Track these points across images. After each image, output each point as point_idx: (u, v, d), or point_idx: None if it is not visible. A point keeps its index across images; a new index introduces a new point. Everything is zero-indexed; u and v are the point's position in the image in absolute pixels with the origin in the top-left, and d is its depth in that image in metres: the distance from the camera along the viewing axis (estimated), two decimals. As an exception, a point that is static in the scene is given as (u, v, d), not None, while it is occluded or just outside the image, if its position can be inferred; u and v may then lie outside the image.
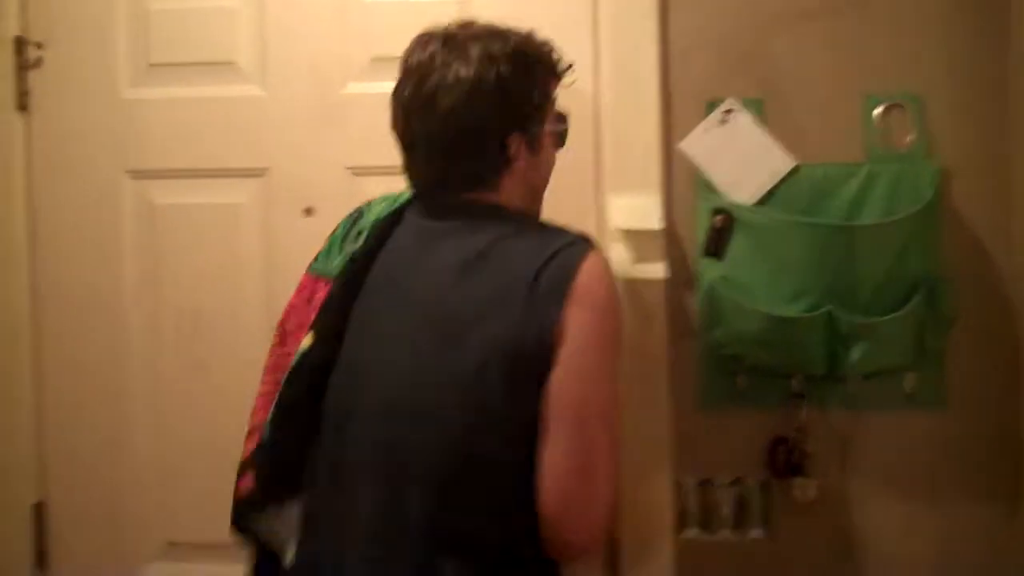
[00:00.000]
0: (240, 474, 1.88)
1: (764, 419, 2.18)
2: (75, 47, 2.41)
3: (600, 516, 1.67)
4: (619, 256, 2.13)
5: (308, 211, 2.32)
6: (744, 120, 2.15)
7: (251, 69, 2.38)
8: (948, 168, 2.13)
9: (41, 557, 2.46)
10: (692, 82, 2.19)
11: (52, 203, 2.42)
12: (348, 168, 2.33)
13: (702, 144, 2.16)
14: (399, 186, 1.89)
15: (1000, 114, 2.13)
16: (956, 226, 2.14)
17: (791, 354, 2.12)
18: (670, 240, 2.18)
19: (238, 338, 2.35)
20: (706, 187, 2.17)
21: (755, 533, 2.20)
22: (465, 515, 1.65)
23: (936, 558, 2.15)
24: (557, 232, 1.77)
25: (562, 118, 1.90)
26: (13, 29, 2.39)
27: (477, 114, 1.73)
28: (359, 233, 1.86)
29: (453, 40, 1.77)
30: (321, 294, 1.84)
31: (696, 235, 2.18)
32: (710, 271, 2.15)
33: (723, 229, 2.13)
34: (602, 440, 1.67)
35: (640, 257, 2.14)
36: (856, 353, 2.08)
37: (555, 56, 1.85)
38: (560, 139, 1.90)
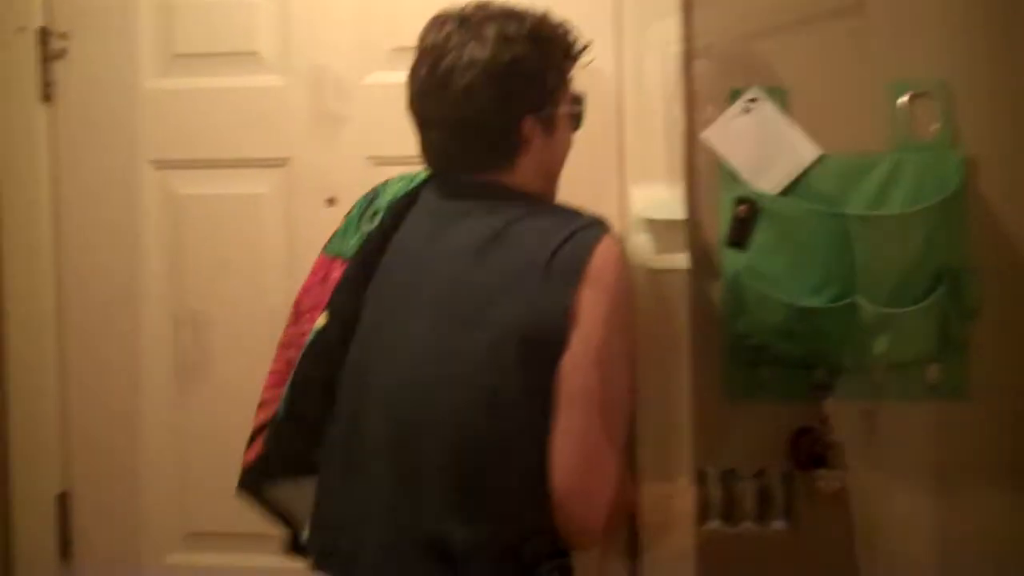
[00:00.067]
0: (249, 442, 1.90)
1: (787, 410, 2.17)
2: (99, 38, 2.41)
3: (606, 502, 1.66)
4: (642, 246, 2.13)
5: (331, 201, 2.32)
6: (768, 109, 2.14)
7: (273, 59, 2.38)
8: (973, 157, 2.11)
9: (65, 547, 2.47)
10: (716, 70, 2.17)
11: (76, 193, 2.43)
12: (369, 158, 2.33)
13: (726, 133, 2.15)
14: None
15: (1026, 102, 2.12)
16: (981, 216, 2.12)
17: (815, 345, 2.12)
18: (693, 230, 2.17)
19: (260, 328, 2.35)
20: (730, 177, 2.16)
21: (778, 525, 2.19)
22: (479, 496, 1.65)
23: (960, 548, 2.14)
24: (572, 214, 1.77)
25: (578, 100, 1.88)
26: (38, 20, 2.40)
27: (492, 95, 1.73)
28: (375, 213, 1.86)
29: (468, 21, 1.77)
30: (336, 274, 1.85)
31: (720, 225, 2.17)
32: (734, 261, 2.15)
33: (747, 219, 2.12)
34: (610, 425, 1.67)
35: (663, 247, 2.14)
36: (880, 344, 2.07)
37: (571, 37, 1.84)
38: (576, 121, 1.89)
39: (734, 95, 2.16)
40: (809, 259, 2.09)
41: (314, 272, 1.94)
